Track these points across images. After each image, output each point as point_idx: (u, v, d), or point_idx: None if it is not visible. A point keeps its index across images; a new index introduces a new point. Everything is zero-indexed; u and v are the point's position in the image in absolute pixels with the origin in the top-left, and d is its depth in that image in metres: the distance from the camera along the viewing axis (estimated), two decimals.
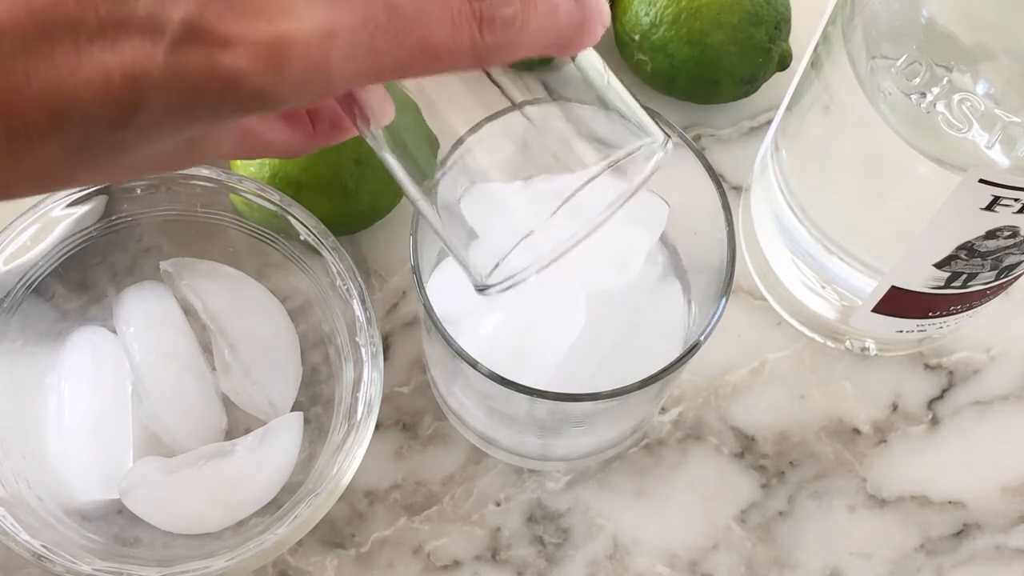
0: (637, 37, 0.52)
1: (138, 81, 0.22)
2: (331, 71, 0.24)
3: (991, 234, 0.39)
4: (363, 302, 0.45)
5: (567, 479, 0.49)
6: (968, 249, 0.40)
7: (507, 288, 0.32)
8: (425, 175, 0.32)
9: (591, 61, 0.31)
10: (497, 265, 0.31)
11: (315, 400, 0.48)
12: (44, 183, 0.25)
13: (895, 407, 0.51)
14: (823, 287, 0.48)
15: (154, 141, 0.24)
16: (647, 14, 0.52)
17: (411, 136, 0.32)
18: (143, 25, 0.22)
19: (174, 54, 0.22)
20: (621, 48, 0.54)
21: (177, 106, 0.23)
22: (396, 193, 0.50)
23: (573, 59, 0.31)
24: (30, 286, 0.46)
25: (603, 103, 0.31)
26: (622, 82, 0.32)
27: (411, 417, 0.50)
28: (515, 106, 0.30)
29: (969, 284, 0.43)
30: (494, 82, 0.30)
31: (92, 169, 0.24)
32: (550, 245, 0.31)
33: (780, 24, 0.52)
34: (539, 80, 0.30)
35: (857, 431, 0.50)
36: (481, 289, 0.32)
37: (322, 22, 0.23)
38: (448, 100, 0.30)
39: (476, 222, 0.31)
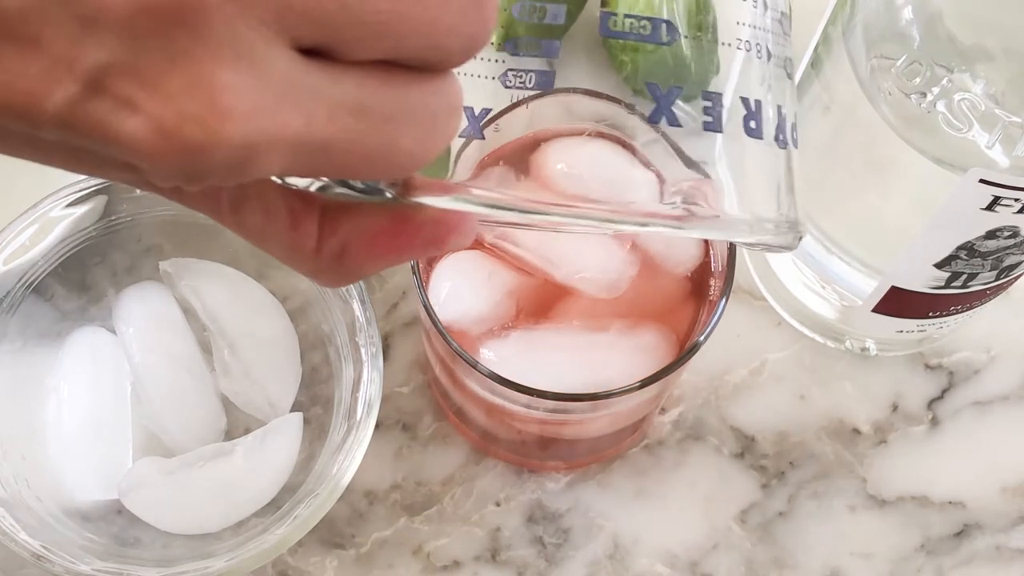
0: None
1: (29, 110, 0.22)
2: (245, 170, 0.21)
3: (991, 234, 0.39)
4: (363, 302, 0.45)
5: (567, 479, 0.49)
6: (968, 249, 0.40)
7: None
8: None
9: None
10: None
11: (315, 400, 0.48)
12: None
13: (895, 407, 0.51)
14: (823, 287, 0.48)
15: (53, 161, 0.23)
16: None
17: None
18: (52, 57, 0.21)
19: (70, 100, 0.20)
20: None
21: (63, 148, 0.22)
22: None
23: None
24: (29, 286, 0.46)
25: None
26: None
27: (411, 417, 0.50)
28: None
29: (969, 284, 0.43)
30: None
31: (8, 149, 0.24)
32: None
33: None
34: None
35: (857, 431, 0.50)
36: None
37: (252, 127, 0.21)
38: None
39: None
